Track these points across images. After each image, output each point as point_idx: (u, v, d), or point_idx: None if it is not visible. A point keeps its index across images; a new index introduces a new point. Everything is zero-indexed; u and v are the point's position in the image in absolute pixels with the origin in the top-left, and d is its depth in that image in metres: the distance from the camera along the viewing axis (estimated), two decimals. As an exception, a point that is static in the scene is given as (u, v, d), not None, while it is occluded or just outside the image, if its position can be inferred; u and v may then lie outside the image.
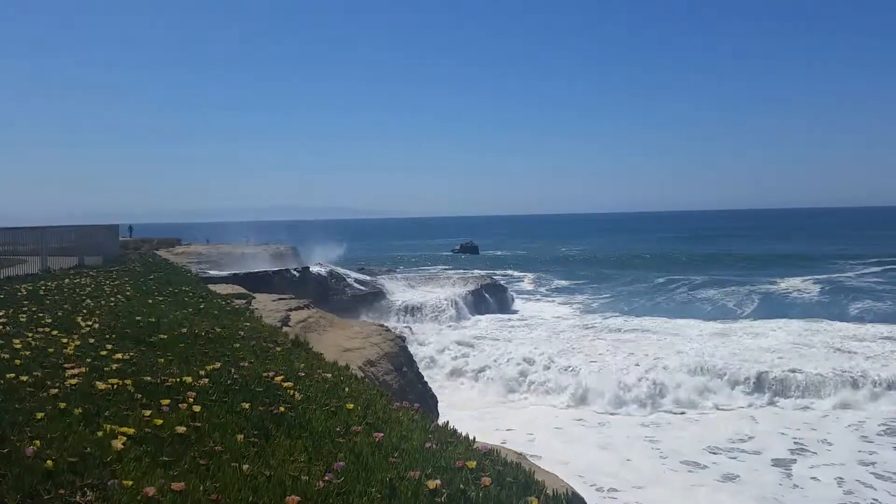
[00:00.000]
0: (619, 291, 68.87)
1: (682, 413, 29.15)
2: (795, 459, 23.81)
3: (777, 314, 51.15)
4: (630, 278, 76.79)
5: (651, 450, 24.92)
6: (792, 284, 68.20)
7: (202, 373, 6.36)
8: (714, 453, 24.35)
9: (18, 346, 7.02)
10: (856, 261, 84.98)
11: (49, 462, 3.56)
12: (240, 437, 4.48)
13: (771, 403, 29.99)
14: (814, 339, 39.28)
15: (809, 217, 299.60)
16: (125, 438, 4.09)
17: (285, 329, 16.54)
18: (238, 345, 8.56)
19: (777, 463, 23.46)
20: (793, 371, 31.69)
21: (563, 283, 77.20)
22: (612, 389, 30.28)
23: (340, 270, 58.32)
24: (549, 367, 33.34)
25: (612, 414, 29.22)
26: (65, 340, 7.63)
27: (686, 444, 25.24)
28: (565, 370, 33.02)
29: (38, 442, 3.86)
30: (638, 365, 32.87)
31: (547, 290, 72.60)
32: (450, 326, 48.31)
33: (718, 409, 29.75)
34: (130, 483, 3.43)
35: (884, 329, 41.70)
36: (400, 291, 56.04)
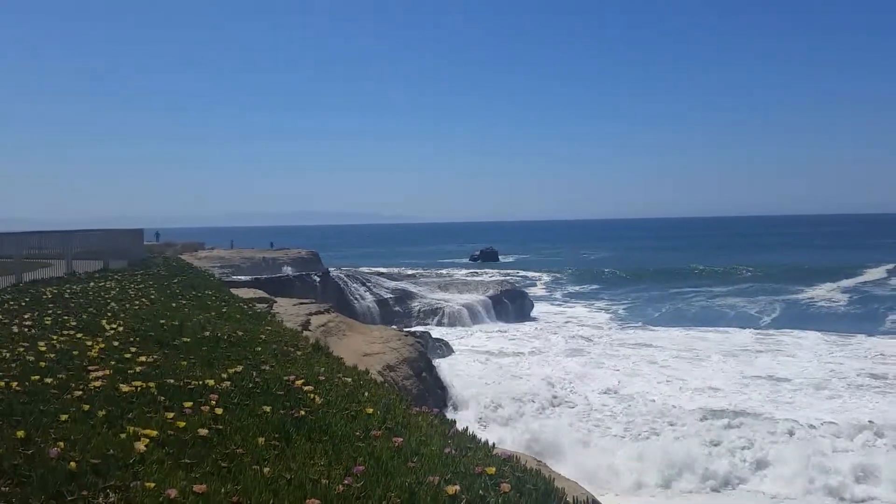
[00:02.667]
0: (636, 298, 68.52)
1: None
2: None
3: (805, 327, 50.28)
4: (650, 285, 76.37)
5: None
6: (818, 294, 67.37)
7: (224, 376, 6.40)
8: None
9: (43, 349, 7.11)
10: (879, 268, 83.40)
11: (73, 464, 3.60)
12: (261, 439, 4.50)
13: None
14: (844, 365, 36.39)
15: (822, 224, 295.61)
16: (148, 440, 4.13)
17: (306, 333, 16.61)
18: (259, 348, 8.61)
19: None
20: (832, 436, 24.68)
21: (583, 289, 76.94)
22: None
23: (361, 275, 58.57)
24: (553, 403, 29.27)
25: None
26: (89, 343, 7.71)
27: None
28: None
29: (62, 444, 3.91)
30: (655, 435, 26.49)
31: (565, 297, 72.41)
32: (465, 335, 48.24)
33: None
34: (153, 485, 3.47)
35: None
36: (420, 296, 56.13)
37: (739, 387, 32.40)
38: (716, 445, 24.33)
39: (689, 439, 24.76)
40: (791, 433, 24.65)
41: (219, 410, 5.02)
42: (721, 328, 50.95)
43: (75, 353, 7.07)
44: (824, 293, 67.30)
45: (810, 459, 22.64)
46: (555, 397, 29.93)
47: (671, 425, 26.32)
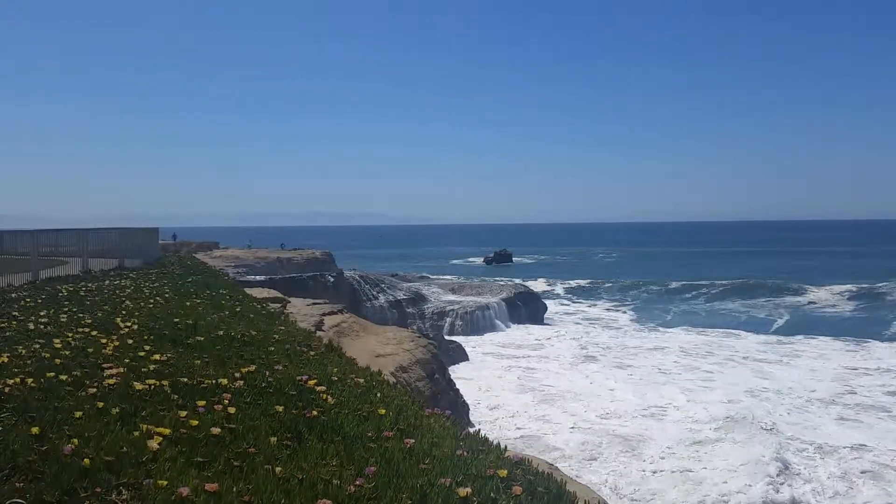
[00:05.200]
0: (648, 301, 68.75)
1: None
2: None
3: (814, 332, 50.28)
4: (662, 288, 76.21)
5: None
6: (821, 297, 67.01)
7: (237, 375, 6.42)
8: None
9: (59, 346, 7.15)
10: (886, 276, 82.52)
11: (86, 460, 3.62)
12: (273, 439, 4.51)
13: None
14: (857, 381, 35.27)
15: (831, 229, 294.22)
16: (161, 438, 4.14)
17: (319, 333, 16.65)
18: (273, 348, 8.63)
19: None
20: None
21: (596, 291, 76.85)
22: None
23: (374, 276, 58.63)
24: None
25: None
26: (104, 341, 7.75)
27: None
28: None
29: (76, 440, 3.93)
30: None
31: (578, 299, 72.27)
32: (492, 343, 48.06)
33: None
34: (165, 483, 3.47)
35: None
36: (433, 298, 56.12)
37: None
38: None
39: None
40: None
41: (231, 409, 5.03)
42: (739, 331, 51.20)
43: (90, 350, 7.11)
44: (832, 298, 66.79)
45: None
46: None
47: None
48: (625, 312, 63.58)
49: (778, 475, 22.30)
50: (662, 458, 23.99)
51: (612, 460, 23.91)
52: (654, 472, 22.90)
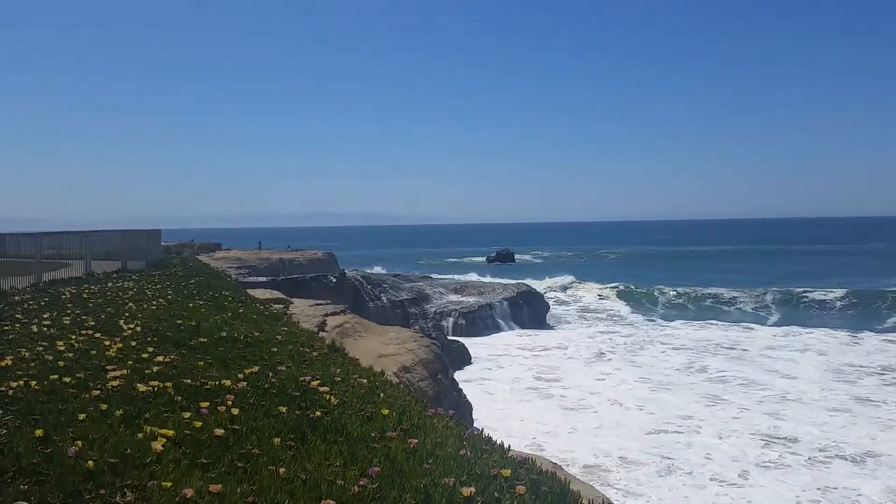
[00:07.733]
0: (654, 299, 68.41)
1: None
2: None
3: (807, 324, 50.89)
4: (668, 286, 75.99)
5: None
6: (818, 293, 67.08)
7: (240, 376, 6.43)
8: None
9: (62, 348, 7.16)
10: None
11: (90, 462, 3.62)
12: (276, 440, 4.51)
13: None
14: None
15: (822, 227, 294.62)
16: (165, 440, 4.15)
17: (322, 334, 16.65)
18: (275, 349, 8.64)
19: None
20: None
21: (599, 290, 76.63)
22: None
23: (376, 276, 58.62)
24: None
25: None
26: (107, 343, 7.76)
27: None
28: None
29: (79, 443, 3.93)
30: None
31: (580, 298, 72.05)
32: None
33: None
34: (169, 484, 3.48)
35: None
36: (436, 298, 56.09)
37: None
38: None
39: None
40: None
41: (235, 411, 5.04)
42: (749, 325, 51.90)
43: (93, 352, 7.12)
44: (823, 293, 66.69)
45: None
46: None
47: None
48: (627, 305, 63.83)
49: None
50: (701, 487, 21.53)
51: (635, 480, 21.80)
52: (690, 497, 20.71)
